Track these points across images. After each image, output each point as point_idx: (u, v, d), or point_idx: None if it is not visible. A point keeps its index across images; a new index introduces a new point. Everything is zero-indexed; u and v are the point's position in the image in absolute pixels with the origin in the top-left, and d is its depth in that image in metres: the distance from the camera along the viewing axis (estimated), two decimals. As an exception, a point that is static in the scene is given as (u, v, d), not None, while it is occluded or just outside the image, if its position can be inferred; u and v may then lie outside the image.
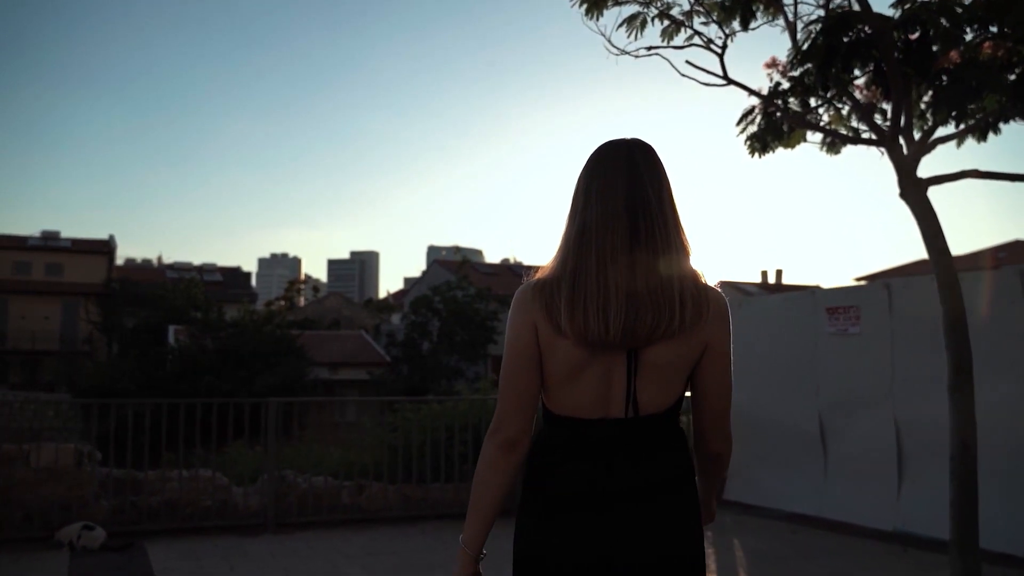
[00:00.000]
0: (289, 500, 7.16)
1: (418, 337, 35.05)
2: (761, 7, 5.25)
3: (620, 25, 5.21)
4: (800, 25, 5.19)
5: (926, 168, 4.94)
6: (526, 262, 51.02)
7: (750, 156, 5.51)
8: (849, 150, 5.62)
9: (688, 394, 1.83)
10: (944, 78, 4.65)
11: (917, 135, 5.09)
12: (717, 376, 1.78)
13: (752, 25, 5.24)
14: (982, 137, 5.13)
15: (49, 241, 46.63)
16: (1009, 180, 4.82)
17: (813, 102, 5.46)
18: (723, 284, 1.85)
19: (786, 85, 5.34)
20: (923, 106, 5.23)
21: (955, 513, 4.55)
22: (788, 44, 5.30)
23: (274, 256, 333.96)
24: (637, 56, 5.30)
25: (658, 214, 1.75)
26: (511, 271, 45.57)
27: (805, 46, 4.91)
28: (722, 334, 1.77)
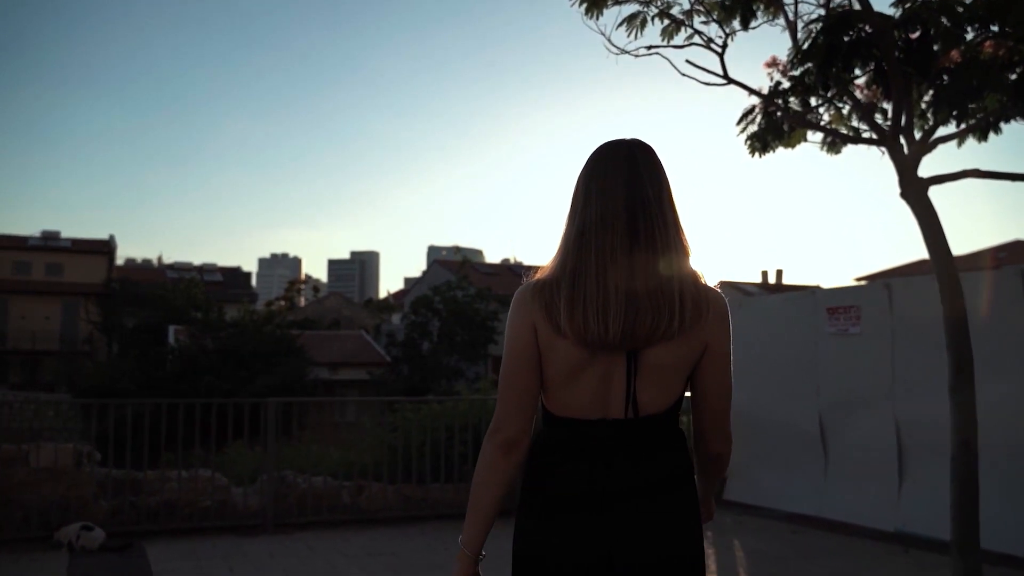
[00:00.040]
0: (289, 500, 7.15)
1: (418, 337, 35.06)
2: (761, 6, 5.24)
3: (620, 24, 5.20)
4: (800, 24, 5.18)
5: (927, 168, 4.94)
6: (526, 262, 51.01)
7: (750, 156, 5.50)
8: (849, 150, 5.62)
9: (688, 394, 1.83)
10: (945, 77, 4.64)
11: (918, 135, 5.08)
12: (717, 377, 1.78)
13: (752, 24, 5.23)
14: (983, 137, 5.12)
15: (49, 241, 46.63)
16: (1010, 180, 4.82)
17: (813, 101, 5.45)
18: (723, 284, 1.85)
19: (786, 84, 5.33)
20: (924, 105, 5.22)
21: (956, 513, 4.54)
22: (788, 43, 5.29)
23: (274, 256, 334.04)
24: (637, 55, 5.29)
25: (658, 214, 1.75)
26: (511, 271, 45.56)
27: (805, 45, 4.90)
28: (722, 335, 1.77)
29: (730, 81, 5.31)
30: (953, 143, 5.12)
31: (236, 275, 54.71)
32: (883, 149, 5.01)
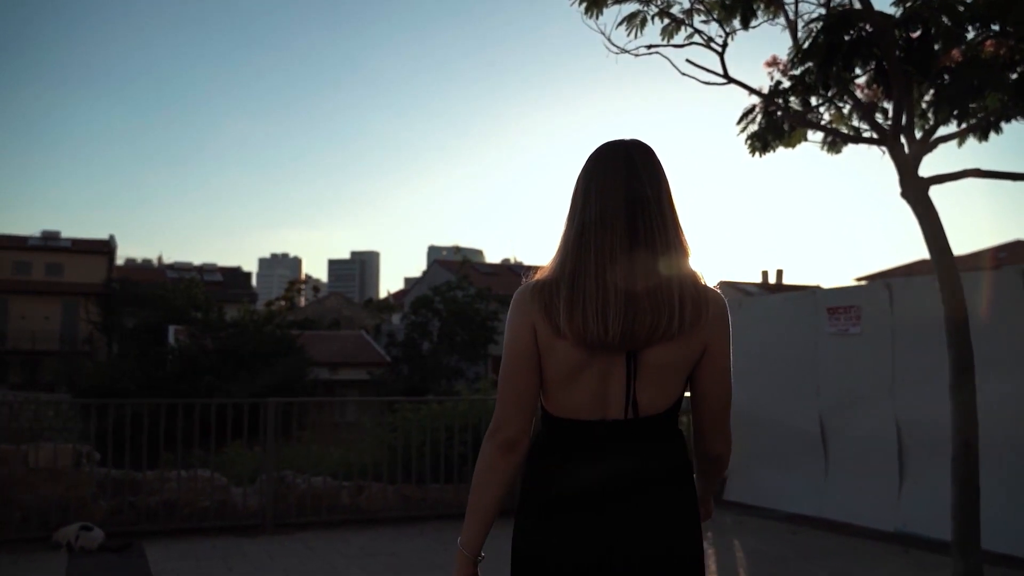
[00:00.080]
0: (288, 500, 7.14)
1: (418, 337, 35.08)
2: (762, 5, 5.24)
3: (620, 23, 5.20)
4: (801, 23, 5.18)
5: (927, 167, 4.93)
6: (526, 262, 51.08)
7: (750, 155, 5.50)
8: (850, 149, 5.62)
9: (688, 395, 1.82)
10: (945, 77, 4.64)
11: (918, 134, 5.07)
12: (717, 377, 1.78)
13: (753, 23, 5.23)
14: (983, 136, 5.12)
15: (49, 241, 46.66)
16: (1010, 179, 4.81)
17: (814, 101, 5.45)
18: (723, 284, 1.85)
19: (787, 84, 5.33)
20: (924, 105, 5.22)
21: (957, 513, 4.53)
22: (789, 43, 5.29)
23: (274, 256, 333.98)
24: (637, 55, 5.29)
25: (657, 215, 1.74)
26: (511, 271, 45.56)
27: (806, 45, 4.89)
28: (722, 335, 1.76)
29: (730, 80, 5.30)
30: (954, 143, 5.12)
31: (236, 275, 54.73)
32: (883, 149, 5.01)
